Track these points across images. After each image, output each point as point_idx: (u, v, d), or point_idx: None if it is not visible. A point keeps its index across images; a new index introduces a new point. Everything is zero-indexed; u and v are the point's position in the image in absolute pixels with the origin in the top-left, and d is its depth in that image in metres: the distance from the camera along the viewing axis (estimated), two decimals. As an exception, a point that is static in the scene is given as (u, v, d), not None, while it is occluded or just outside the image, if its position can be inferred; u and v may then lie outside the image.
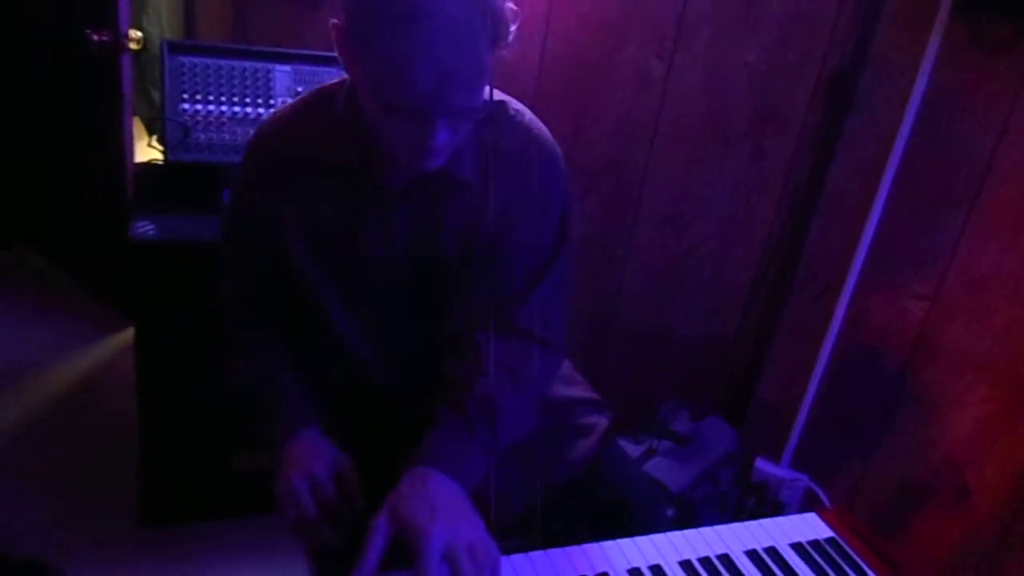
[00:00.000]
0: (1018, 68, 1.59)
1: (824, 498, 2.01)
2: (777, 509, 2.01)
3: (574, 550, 0.97)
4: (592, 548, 0.98)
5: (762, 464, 2.06)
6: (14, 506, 1.86)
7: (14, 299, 2.76)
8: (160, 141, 2.80)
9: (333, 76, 1.87)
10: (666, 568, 0.96)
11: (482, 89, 0.89)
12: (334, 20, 0.88)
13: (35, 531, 1.80)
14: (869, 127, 1.82)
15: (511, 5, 0.86)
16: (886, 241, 1.85)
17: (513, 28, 0.86)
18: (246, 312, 1.12)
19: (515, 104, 1.07)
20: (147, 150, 2.58)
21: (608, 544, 0.99)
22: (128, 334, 2.62)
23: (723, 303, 2.12)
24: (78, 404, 2.29)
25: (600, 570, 0.94)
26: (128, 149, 2.47)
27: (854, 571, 1.01)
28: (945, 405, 1.81)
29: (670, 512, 1.69)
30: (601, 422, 1.24)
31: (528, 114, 1.07)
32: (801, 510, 2.04)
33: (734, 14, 1.87)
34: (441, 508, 0.86)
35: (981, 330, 1.73)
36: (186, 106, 1.75)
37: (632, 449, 1.80)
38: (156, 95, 2.98)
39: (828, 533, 1.07)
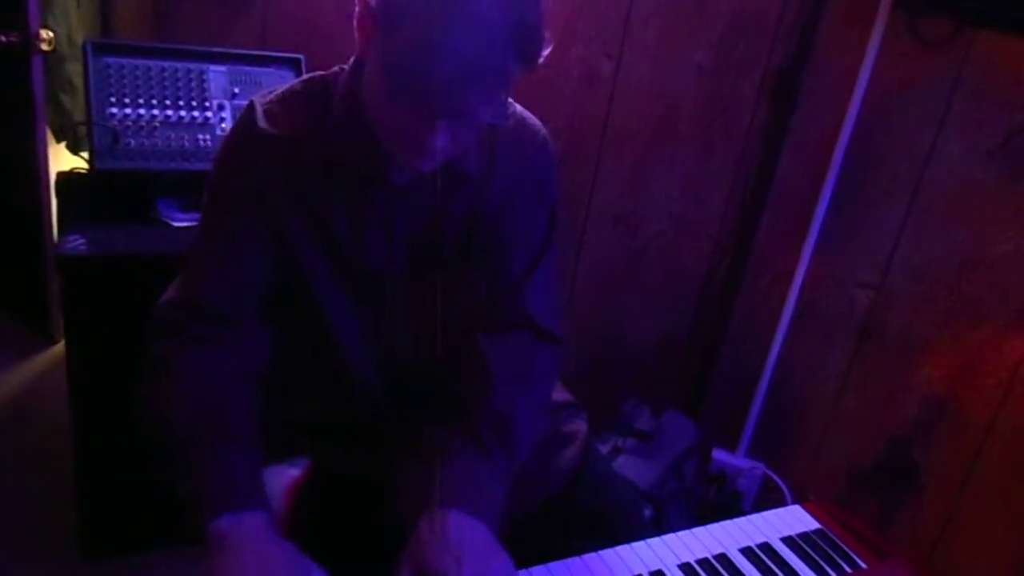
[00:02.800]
0: (955, 62, 1.66)
1: (781, 484, 2.05)
2: (736, 498, 2.05)
3: (574, 562, 0.96)
4: (592, 558, 0.97)
5: (719, 454, 2.09)
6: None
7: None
8: (71, 148, 2.65)
9: (271, 77, 1.84)
10: (668, 573, 0.96)
11: (496, 102, 0.87)
12: None
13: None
14: (814, 121, 1.87)
15: (547, 33, 0.83)
16: (833, 232, 1.90)
17: (545, 53, 0.84)
18: (199, 328, 0.96)
19: None
20: (62, 159, 2.44)
21: (607, 553, 0.98)
22: (49, 354, 2.47)
23: (676, 298, 2.14)
24: (4, 430, 2.13)
25: (604, 579, 0.93)
26: (42, 159, 2.32)
27: (845, 561, 1.03)
28: (892, 389, 1.88)
29: (648, 512, 1.69)
30: (581, 428, 1.22)
31: (515, 104, 1.05)
32: (758, 497, 2.09)
33: (681, 13, 1.89)
34: (467, 553, 0.81)
35: (924, 315, 1.80)
36: (114, 110, 1.64)
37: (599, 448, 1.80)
38: (66, 99, 2.81)
39: (815, 525, 1.09)
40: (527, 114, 1.06)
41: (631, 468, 1.78)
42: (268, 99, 0.98)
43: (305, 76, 1.01)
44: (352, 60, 0.96)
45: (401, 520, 0.89)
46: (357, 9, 0.84)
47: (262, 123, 0.95)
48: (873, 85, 1.77)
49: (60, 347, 2.49)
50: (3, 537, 1.80)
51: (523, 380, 1.01)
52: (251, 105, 0.97)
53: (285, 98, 0.98)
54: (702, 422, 2.10)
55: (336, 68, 0.99)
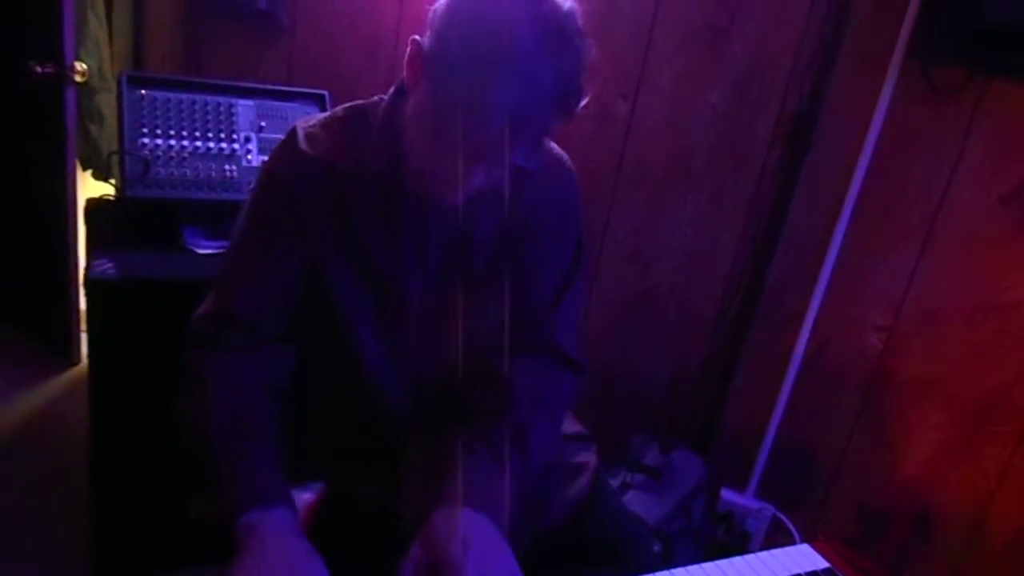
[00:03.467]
0: (967, 109, 1.69)
1: (790, 526, 2.04)
2: (744, 539, 2.03)
3: (583, 591, 0.97)
4: (601, 590, 0.98)
5: (728, 494, 2.08)
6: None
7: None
8: (98, 176, 2.71)
9: (296, 112, 1.89)
10: (676, 606, 0.96)
11: (534, 152, 0.91)
12: (416, 37, 0.89)
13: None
14: (827, 164, 1.90)
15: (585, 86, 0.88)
16: (845, 274, 1.92)
17: (582, 104, 0.88)
18: (232, 340, 1.00)
19: None
20: (88, 187, 2.49)
21: (616, 585, 0.99)
22: (69, 376, 2.50)
23: (688, 336, 2.15)
24: (19, 451, 2.16)
25: (612, 612, 0.94)
26: (71, 186, 2.38)
27: (853, 601, 1.03)
28: (904, 433, 1.87)
29: (656, 547, 1.69)
30: (591, 460, 1.23)
31: None
32: (767, 539, 2.08)
33: (697, 55, 1.93)
34: (475, 544, 0.86)
35: (936, 360, 1.80)
36: (146, 140, 1.69)
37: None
38: (94, 129, 2.88)
39: (824, 564, 1.09)
40: (555, 146, 1.10)
41: (639, 504, 1.78)
42: (310, 124, 1.03)
43: (347, 104, 1.05)
44: (392, 89, 1.01)
45: (410, 526, 0.92)
46: (408, 48, 0.90)
47: (303, 145, 1.00)
48: (886, 130, 1.80)
49: (79, 369, 2.53)
50: (17, 553, 1.81)
51: (543, 403, 1.05)
52: (294, 129, 1.02)
53: (327, 123, 1.03)
54: (711, 461, 2.09)
55: (376, 98, 1.04)
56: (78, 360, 2.56)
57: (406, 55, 0.90)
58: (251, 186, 1.08)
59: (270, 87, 1.85)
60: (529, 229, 1.06)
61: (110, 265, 1.57)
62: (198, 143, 1.74)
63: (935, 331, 1.79)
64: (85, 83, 2.34)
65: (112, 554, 1.76)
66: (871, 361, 1.90)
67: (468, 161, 0.88)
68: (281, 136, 1.81)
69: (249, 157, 1.78)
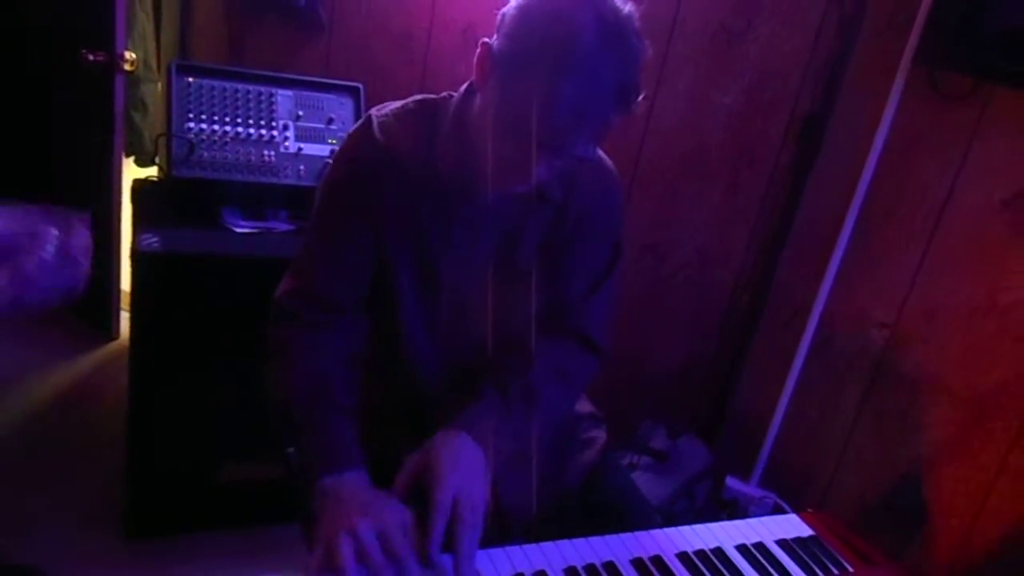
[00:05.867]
0: (972, 116, 1.74)
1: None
2: (747, 526, 2.09)
3: (580, 542, 1.04)
4: (597, 541, 1.05)
5: (732, 482, 2.14)
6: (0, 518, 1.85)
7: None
8: (139, 162, 2.84)
9: (332, 102, 1.99)
10: (665, 559, 1.04)
11: (596, 145, 1.00)
12: (485, 40, 0.97)
13: (22, 544, 1.78)
14: (836, 166, 1.96)
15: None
16: (851, 272, 1.98)
17: (639, 99, 0.95)
18: (314, 315, 1.10)
19: None
20: (130, 171, 2.61)
21: (611, 538, 1.06)
22: (107, 350, 2.63)
23: (698, 327, 2.22)
24: (59, 418, 2.28)
25: (606, 559, 1.01)
26: (117, 169, 2.50)
27: (833, 565, 1.09)
28: (904, 427, 1.92)
29: (658, 519, 1.76)
30: (601, 436, 1.33)
31: None
32: (769, 527, 2.13)
33: (714, 58, 2.01)
34: (462, 467, 0.96)
35: (937, 357, 1.85)
36: (191, 124, 1.81)
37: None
38: (137, 117, 3.02)
39: (809, 532, 1.16)
40: (603, 155, 1.18)
41: (644, 484, 1.85)
42: (383, 113, 1.11)
43: (418, 97, 1.13)
44: (463, 89, 1.08)
45: None
46: (478, 50, 0.97)
47: (377, 134, 1.08)
48: (893, 134, 1.86)
49: (118, 343, 2.66)
50: (55, 514, 1.91)
51: (560, 373, 1.14)
52: (369, 117, 1.10)
53: (399, 115, 1.10)
54: (717, 448, 2.16)
55: (445, 94, 1.12)
56: (116, 335, 2.69)
57: (475, 56, 0.98)
58: (325, 169, 1.16)
59: (308, 79, 1.95)
60: (574, 234, 1.14)
61: (156, 239, 1.68)
62: (239, 129, 1.85)
63: (936, 329, 1.85)
64: (132, 73, 2.45)
65: (145, 516, 1.87)
66: (874, 356, 1.96)
67: (535, 152, 0.95)
68: (317, 124, 1.95)
69: (287, 144, 1.88)
